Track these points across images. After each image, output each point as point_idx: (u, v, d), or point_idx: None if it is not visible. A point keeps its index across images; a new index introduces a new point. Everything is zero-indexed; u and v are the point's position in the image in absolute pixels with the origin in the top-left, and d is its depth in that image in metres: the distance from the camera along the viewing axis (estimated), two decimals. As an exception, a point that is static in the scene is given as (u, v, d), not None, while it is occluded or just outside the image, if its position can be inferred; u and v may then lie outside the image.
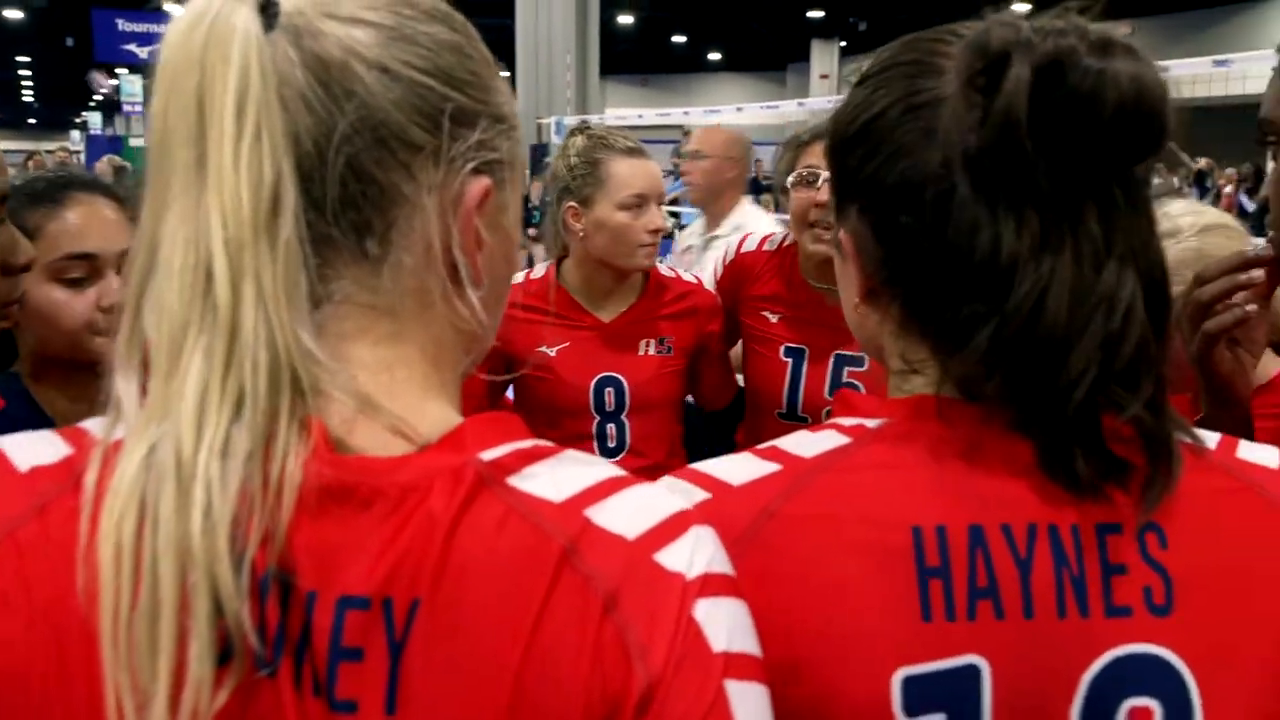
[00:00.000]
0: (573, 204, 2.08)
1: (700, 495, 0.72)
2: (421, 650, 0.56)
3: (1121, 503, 0.69)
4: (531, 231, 8.67)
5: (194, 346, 0.56)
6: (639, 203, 2.05)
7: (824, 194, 1.96)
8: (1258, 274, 1.05)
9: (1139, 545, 0.69)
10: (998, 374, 0.68)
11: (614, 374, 2.12)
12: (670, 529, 0.61)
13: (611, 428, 2.13)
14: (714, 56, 32.66)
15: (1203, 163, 13.13)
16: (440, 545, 0.57)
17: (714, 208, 3.87)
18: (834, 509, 0.70)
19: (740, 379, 2.36)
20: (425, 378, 0.64)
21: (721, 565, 0.61)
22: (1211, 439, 0.76)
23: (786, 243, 2.22)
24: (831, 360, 2.11)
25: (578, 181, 2.07)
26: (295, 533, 0.56)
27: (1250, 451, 0.76)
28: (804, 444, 0.74)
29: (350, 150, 0.60)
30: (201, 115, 0.57)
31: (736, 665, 0.59)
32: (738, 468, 0.74)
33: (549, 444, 0.64)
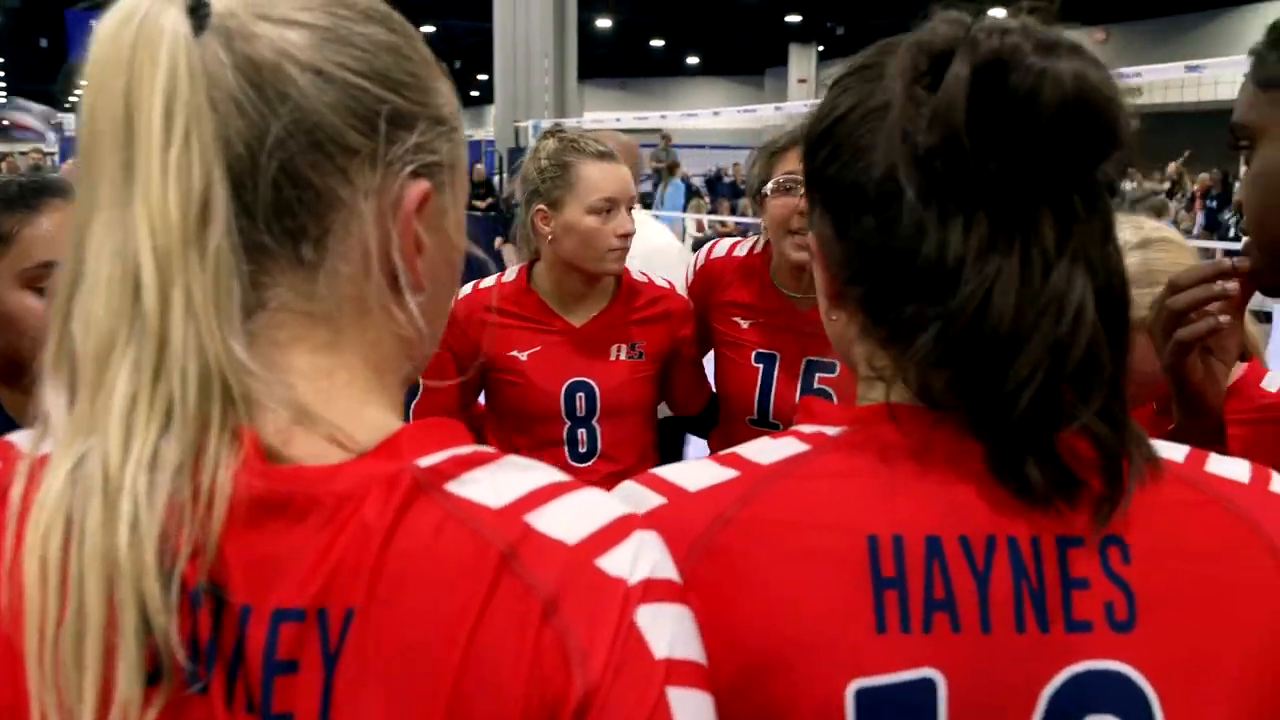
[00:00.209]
0: (542, 207, 2.06)
1: (656, 500, 0.72)
2: (355, 660, 0.55)
3: (1081, 515, 0.68)
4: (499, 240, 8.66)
5: (122, 358, 0.55)
6: (608, 206, 2.03)
7: (805, 201, 1.94)
8: (1232, 285, 1.04)
9: (1101, 559, 0.68)
10: (945, 376, 0.68)
11: (585, 379, 2.11)
12: (612, 534, 0.60)
13: (582, 433, 2.12)
14: (692, 60, 32.74)
15: (1171, 169, 13.20)
16: (375, 553, 0.56)
17: None
18: (789, 516, 0.69)
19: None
20: (365, 385, 0.63)
21: (665, 570, 0.61)
22: (1180, 452, 0.75)
23: (757, 249, 2.21)
24: (803, 366, 2.10)
25: (547, 184, 2.05)
26: (227, 545, 0.55)
27: (1220, 465, 0.75)
28: (763, 451, 0.73)
29: (283, 154, 0.58)
30: (129, 120, 0.55)
31: (679, 672, 0.58)
32: (695, 473, 0.73)
33: (490, 449, 0.62)
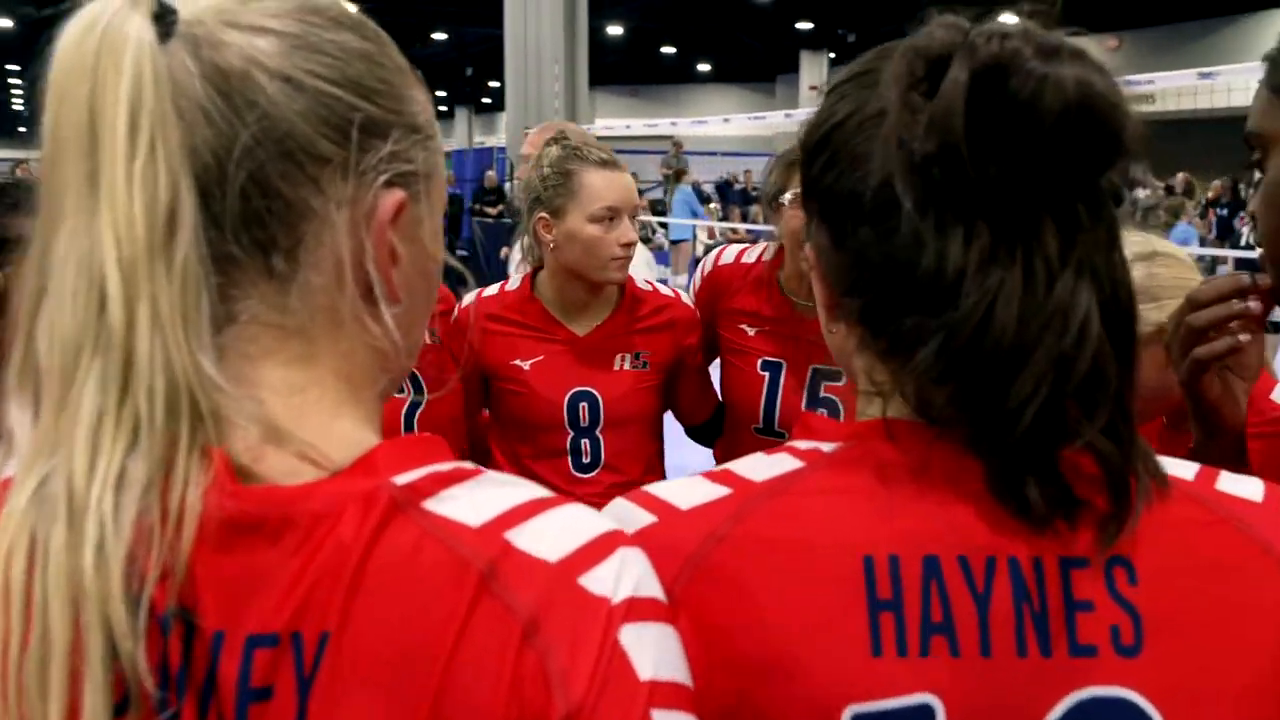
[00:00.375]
0: (544, 215, 2.05)
1: (647, 518, 0.70)
2: (329, 685, 0.54)
3: (1085, 535, 0.66)
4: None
5: (87, 373, 0.53)
6: (611, 215, 2.02)
7: None
8: (1255, 304, 1.02)
9: (1106, 581, 0.65)
10: (945, 391, 0.65)
11: (588, 388, 2.09)
12: (596, 551, 0.58)
13: (586, 443, 2.10)
14: (703, 67, 32.77)
15: (1179, 178, 13.07)
16: (350, 575, 0.54)
17: None
18: (783, 534, 0.67)
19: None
20: (339, 399, 0.62)
21: (650, 589, 0.59)
22: (1189, 469, 0.72)
23: (766, 256, 2.19)
24: (809, 374, 2.08)
25: (549, 192, 2.04)
26: (197, 568, 0.53)
27: (1231, 483, 0.72)
28: (756, 467, 0.72)
29: (252, 164, 0.57)
30: (93, 129, 0.54)
31: (663, 694, 0.56)
32: (686, 491, 0.72)
33: (470, 466, 0.61)
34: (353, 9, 0.64)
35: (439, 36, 26.12)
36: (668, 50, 29.85)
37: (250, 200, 0.57)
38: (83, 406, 0.53)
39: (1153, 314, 1.32)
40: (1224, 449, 1.04)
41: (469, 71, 29.32)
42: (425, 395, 1.98)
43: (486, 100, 35.91)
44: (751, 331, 2.15)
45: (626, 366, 2.13)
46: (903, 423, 0.69)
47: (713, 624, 0.65)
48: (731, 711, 0.63)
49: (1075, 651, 0.64)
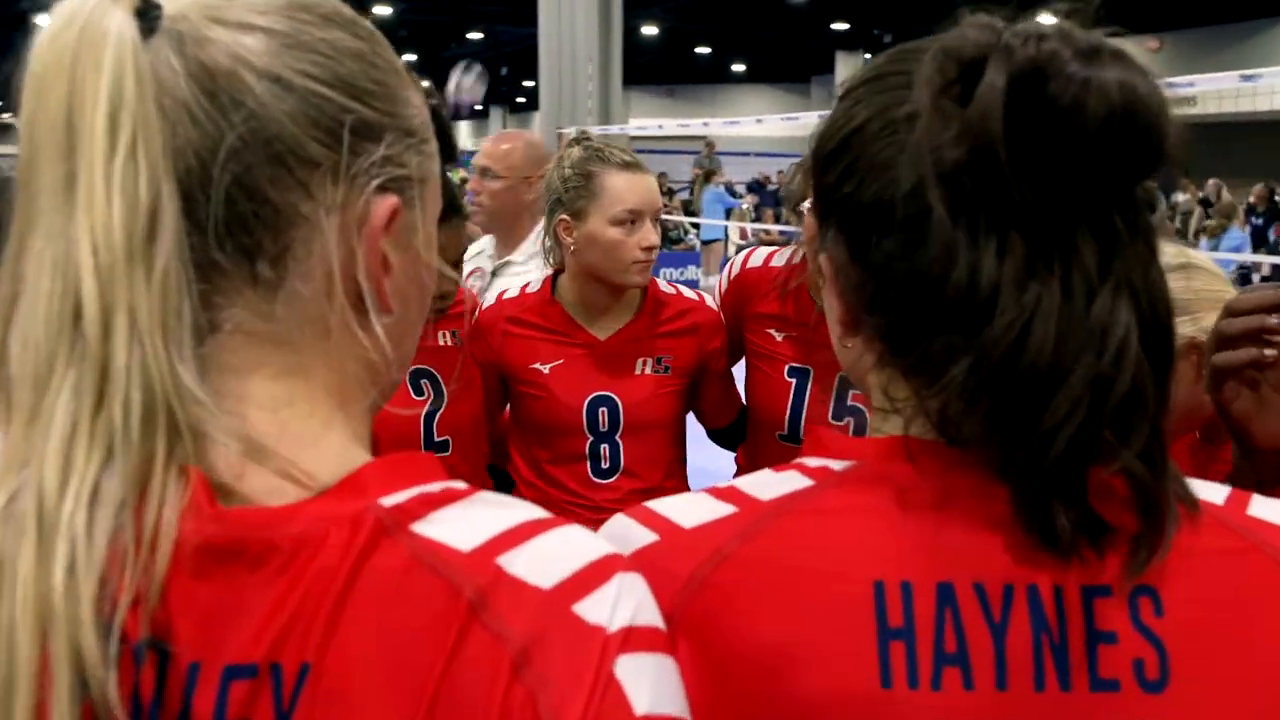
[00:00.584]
0: (565, 217, 2.03)
1: (648, 537, 0.67)
2: (308, 719, 0.51)
3: (1110, 562, 0.62)
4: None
5: (61, 383, 0.51)
6: (632, 218, 1.99)
7: None
8: None
9: (1130, 611, 0.62)
10: (975, 413, 0.62)
11: (608, 393, 2.07)
12: (592, 576, 0.55)
13: (605, 448, 2.07)
14: (738, 68, 32.68)
15: (1210, 185, 12.81)
16: (333, 603, 0.51)
17: (508, 233, 3.09)
18: (790, 556, 0.64)
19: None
20: (327, 414, 0.59)
21: (649, 617, 0.56)
22: (1220, 493, 0.69)
23: (795, 259, 2.15)
24: (837, 382, 2.04)
25: (570, 194, 2.02)
26: (172, 595, 0.51)
27: (1265, 509, 0.68)
28: (763, 485, 0.69)
29: (238, 166, 0.55)
30: (71, 128, 0.52)
31: None
32: (690, 508, 0.69)
33: (462, 486, 0.58)
34: (345, 7, 0.62)
35: (474, 36, 26.21)
36: (703, 50, 29.79)
37: (236, 204, 0.55)
38: (55, 418, 0.50)
39: (1185, 327, 1.28)
40: (1262, 467, 0.99)
41: (504, 71, 29.41)
42: (445, 398, 1.97)
43: (521, 100, 36.01)
44: (779, 337, 2.11)
45: (648, 371, 2.10)
46: (923, 442, 0.65)
47: (714, 648, 0.62)
48: None
49: (1096, 686, 0.61)
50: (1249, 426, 0.98)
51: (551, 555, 0.55)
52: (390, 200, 0.60)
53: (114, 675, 0.48)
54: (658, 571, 0.60)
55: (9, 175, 0.58)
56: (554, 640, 0.52)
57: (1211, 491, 0.68)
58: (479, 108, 38.57)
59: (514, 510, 0.57)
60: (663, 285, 2.18)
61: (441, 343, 2.00)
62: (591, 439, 2.07)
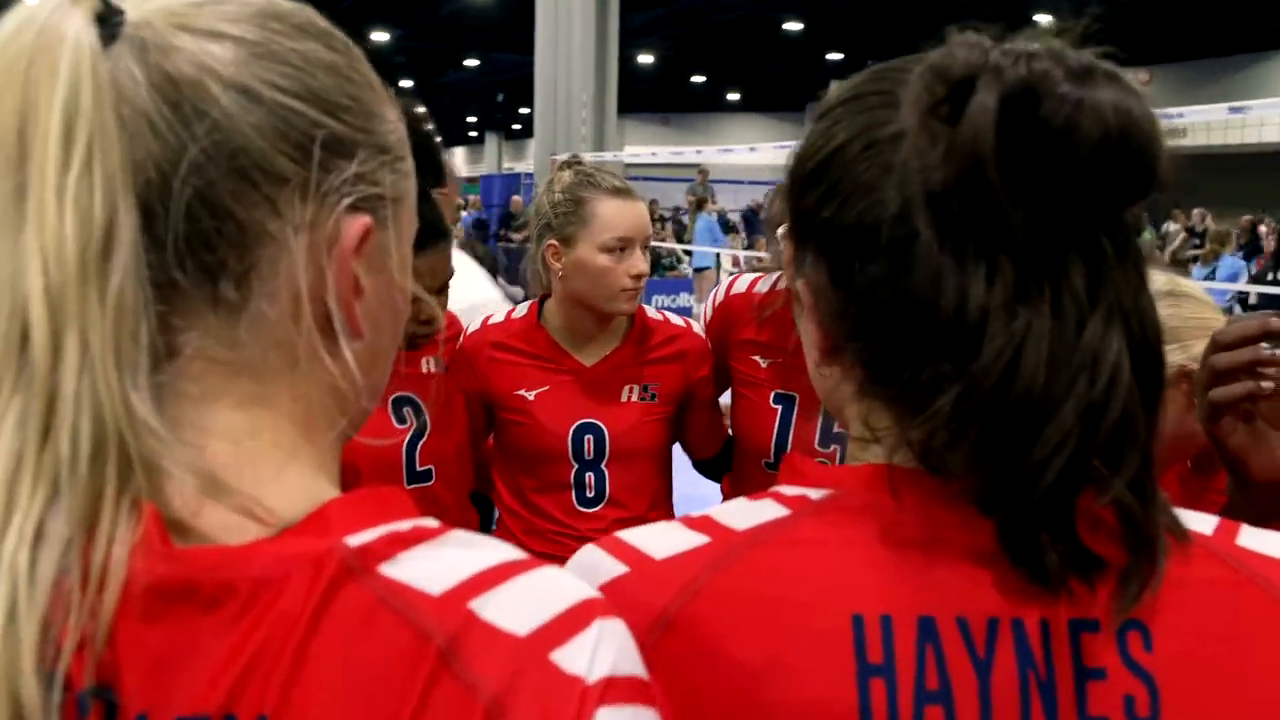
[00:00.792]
0: (553, 242, 2.00)
1: (617, 569, 0.65)
2: None
3: (1099, 596, 0.60)
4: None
5: (5, 413, 0.48)
6: (622, 246, 1.97)
7: None
8: None
9: (1119, 646, 0.60)
10: (962, 444, 0.60)
11: (593, 420, 2.04)
12: (570, 622, 0.51)
13: (590, 476, 2.05)
14: (733, 96, 32.88)
15: (1195, 214, 12.82)
16: (294, 649, 0.48)
17: None
18: (765, 589, 0.62)
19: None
20: (292, 446, 0.56)
21: (630, 666, 0.52)
22: (1208, 523, 0.67)
23: (779, 285, 2.13)
24: (823, 409, 2.02)
25: (560, 219, 1.99)
26: (120, 640, 0.47)
27: (1254, 539, 0.66)
28: (737, 514, 0.66)
29: (200, 180, 0.52)
30: (22, 139, 0.49)
31: None
32: (661, 539, 0.66)
33: (433, 524, 0.55)
34: (320, 18, 0.59)
35: (471, 63, 26.36)
36: (698, 79, 29.99)
37: (198, 221, 0.52)
38: None
39: (1175, 355, 1.26)
40: (1258, 500, 0.97)
41: (500, 98, 29.55)
42: (428, 425, 1.93)
43: (516, 126, 36.17)
44: (763, 363, 2.09)
45: (634, 398, 2.07)
46: (905, 471, 0.63)
47: (687, 686, 0.59)
48: None
49: None
50: (1245, 460, 0.97)
51: (527, 599, 0.52)
52: (362, 220, 0.57)
53: None
54: (628, 605, 0.57)
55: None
56: (529, 690, 0.49)
57: (1201, 522, 0.67)
58: (474, 134, 38.69)
59: (488, 551, 0.54)
60: (650, 312, 2.16)
61: (424, 369, 1.97)
62: (577, 467, 2.04)
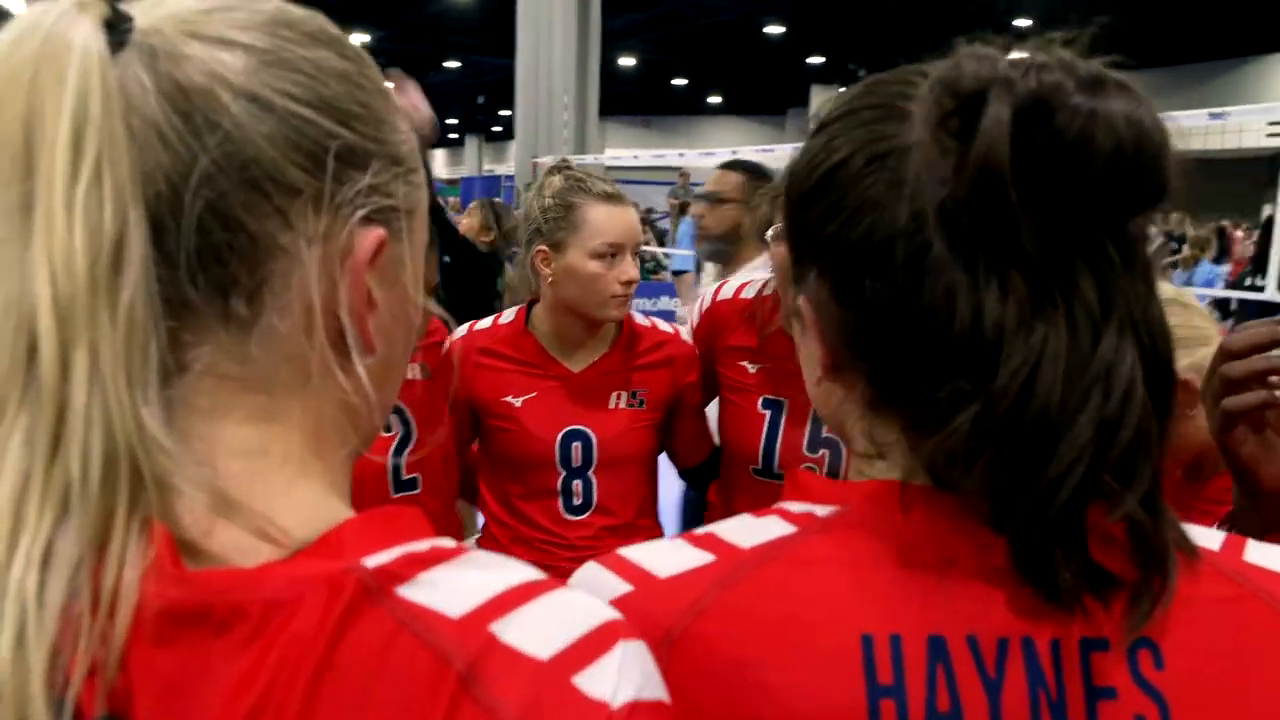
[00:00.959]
0: (543, 247, 2.00)
1: (621, 588, 0.64)
2: None
3: (1108, 614, 0.60)
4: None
5: (12, 430, 0.46)
6: (613, 252, 1.97)
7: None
8: None
9: (1130, 665, 0.60)
10: (978, 461, 0.59)
11: (582, 427, 2.03)
12: (593, 645, 0.50)
13: (578, 484, 2.04)
14: (714, 99, 32.90)
15: (1173, 220, 12.86)
16: (310, 675, 0.47)
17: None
18: (772, 608, 0.61)
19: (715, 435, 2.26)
20: (302, 464, 0.55)
21: (654, 690, 0.52)
22: (1215, 539, 0.67)
23: (767, 290, 2.13)
24: (811, 414, 2.02)
25: (550, 224, 1.98)
26: (132, 665, 0.46)
27: (1260, 555, 0.66)
28: (743, 532, 0.66)
29: (211, 192, 0.51)
30: (29, 148, 0.47)
31: None
32: (666, 557, 0.65)
33: (450, 544, 0.54)
34: (331, 25, 0.58)
35: (452, 65, 26.27)
36: (679, 82, 29.98)
37: (209, 234, 0.51)
38: (5, 469, 0.46)
39: (1180, 361, 1.26)
40: (1266, 510, 0.98)
41: (480, 100, 29.45)
42: (414, 434, 1.92)
43: (497, 129, 36.10)
44: (752, 369, 2.09)
45: (622, 405, 2.07)
46: (913, 487, 0.63)
47: (692, 708, 0.59)
48: None
49: None
50: (1257, 470, 0.96)
51: (548, 621, 0.51)
52: (376, 232, 0.56)
53: None
54: (632, 624, 0.56)
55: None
56: (551, 715, 0.48)
57: (1207, 537, 0.66)
58: (454, 136, 38.58)
59: (507, 571, 0.53)
60: (638, 318, 2.16)
61: (410, 376, 1.96)
62: (564, 474, 2.03)
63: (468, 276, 4.25)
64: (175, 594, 0.47)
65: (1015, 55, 0.60)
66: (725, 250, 3.35)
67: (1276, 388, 0.95)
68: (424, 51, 23.69)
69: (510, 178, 15.31)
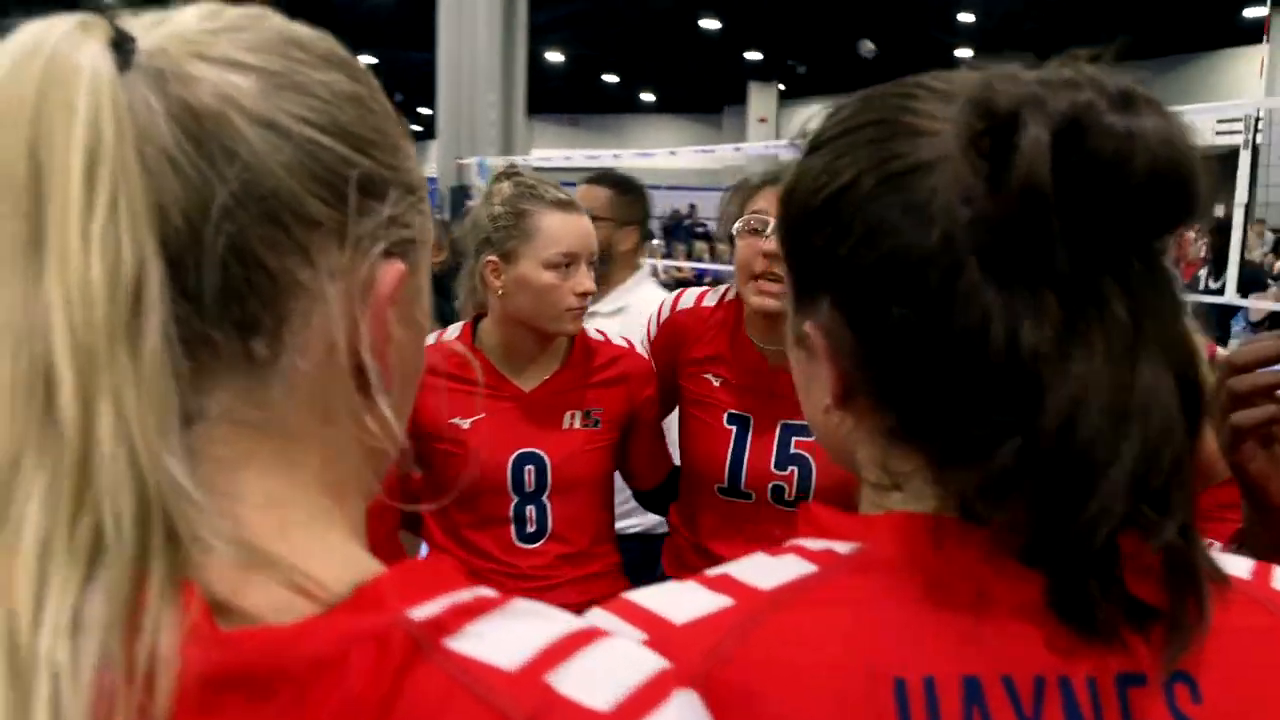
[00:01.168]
0: (493, 258, 1.97)
1: (634, 635, 0.63)
2: None
3: (1145, 648, 0.61)
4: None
5: (31, 484, 0.44)
6: (568, 262, 1.95)
7: (771, 243, 1.88)
8: None
9: (1167, 700, 0.61)
10: (1016, 495, 0.60)
11: (534, 450, 2.02)
12: (650, 694, 0.51)
13: (531, 510, 2.02)
14: (647, 97, 33.05)
15: None
16: None
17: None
18: (798, 654, 0.61)
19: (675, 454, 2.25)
20: (327, 513, 0.54)
21: None
22: (1244, 566, 0.68)
23: (729, 297, 2.12)
24: (778, 430, 2.02)
25: (500, 233, 1.96)
26: None
27: None
28: (761, 572, 0.65)
29: (232, 227, 0.49)
30: (36, 179, 0.45)
31: None
32: (679, 601, 0.65)
33: (491, 593, 0.53)
34: (340, 46, 0.57)
35: (369, 60, 26.05)
36: (610, 79, 30.08)
37: (229, 272, 0.50)
38: (26, 529, 0.44)
39: None
40: (1274, 526, 1.00)
41: (399, 97, 29.24)
42: None
43: (417, 128, 35.89)
44: (717, 382, 2.09)
45: (577, 425, 2.06)
46: (940, 520, 0.63)
47: None
48: None
49: None
50: (1266, 485, 0.99)
51: (603, 672, 0.51)
52: (397, 266, 0.55)
53: None
54: None
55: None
56: None
57: (1236, 565, 0.68)
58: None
59: (553, 620, 0.53)
60: (590, 332, 2.14)
61: None
62: (516, 500, 2.01)
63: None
64: (214, 658, 0.45)
65: (1040, 72, 0.61)
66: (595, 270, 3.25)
67: None
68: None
69: (433, 179, 15.24)
